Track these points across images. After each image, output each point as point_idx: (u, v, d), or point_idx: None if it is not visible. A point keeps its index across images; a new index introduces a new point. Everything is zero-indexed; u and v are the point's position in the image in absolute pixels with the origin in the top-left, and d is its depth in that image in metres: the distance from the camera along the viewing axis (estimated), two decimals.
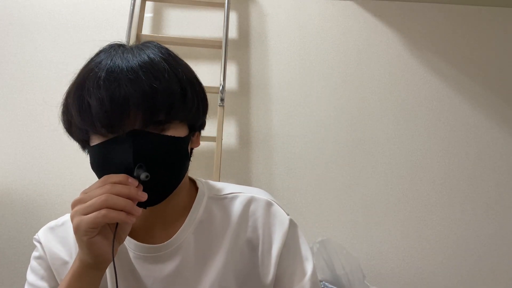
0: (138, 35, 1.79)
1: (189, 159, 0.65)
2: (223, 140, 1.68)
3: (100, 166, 0.58)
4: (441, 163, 1.91)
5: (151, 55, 0.58)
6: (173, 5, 1.97)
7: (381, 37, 2.03)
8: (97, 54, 0.60)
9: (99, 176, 0.58)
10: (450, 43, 2.05)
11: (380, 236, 1.82)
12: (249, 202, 0.70)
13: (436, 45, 2.04)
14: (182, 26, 1.95)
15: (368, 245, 1.81)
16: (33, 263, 0.69)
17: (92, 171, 0.60)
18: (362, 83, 1.97)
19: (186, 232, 0.66)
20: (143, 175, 0.54)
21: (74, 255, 0.67)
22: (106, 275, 0.65)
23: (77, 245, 0.59)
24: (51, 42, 1.86)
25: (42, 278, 0.67)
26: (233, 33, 1.98)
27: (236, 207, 0.69)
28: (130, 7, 1.77)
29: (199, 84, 0.65)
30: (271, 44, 1.98)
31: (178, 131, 0.60)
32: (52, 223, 0.72)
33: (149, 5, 1.94)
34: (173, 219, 0.67)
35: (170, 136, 0.58)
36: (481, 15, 2.09)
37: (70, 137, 0.63)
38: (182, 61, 0.64)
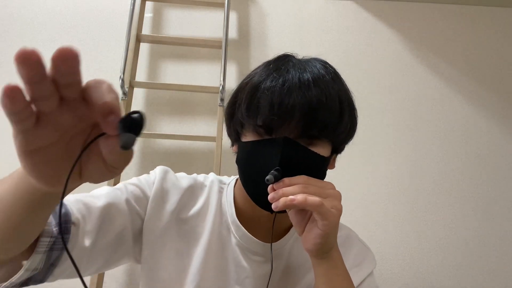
0: (138, 35, 1.78)
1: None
2: (223, 140, 1.68)
3: (247, 162, 0.61)
4: (441, 163, 1.91)
5: (322, 71, 0.61)
6: (173, 5, 1.97)
7: (381, 37, 2.03)
8: (273, 62, 0.64)
9: (242, 171, 0.62)
10: (450, 43, 2.05)
11: (380, 236, 1.82)
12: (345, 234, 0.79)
13: (436, 45, 2.04)
14: (182, 26, 1.95)
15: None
16: (144, 177, 0.69)
17: None
18: (362, 83, 1.97)
19: (288, 241, 0.71)
20: (270, 176, 0.54)
21: (170, 215, 0.67)
22: (198, 256, 0.66)
23: (177, 204, 0.66)
24: (51, 42, 1.86)
25: (135, 197, 0.65)
26: (233, 33, 1.98)
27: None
28: (130, 7, 1.76)
29: (354, 110, 0.67)
30: (271, 44, 1.98)
31: (323, 149, 0.62)
32: (182, 174, 0.73)
33: (149, 5, 1.93)
34: (282, 227, 0.71)
35: (317, 153, 0.60)
36: (481, 15, 2.09)
37: (226, 126, 0.68)
38: (345, 83, 0.66)
